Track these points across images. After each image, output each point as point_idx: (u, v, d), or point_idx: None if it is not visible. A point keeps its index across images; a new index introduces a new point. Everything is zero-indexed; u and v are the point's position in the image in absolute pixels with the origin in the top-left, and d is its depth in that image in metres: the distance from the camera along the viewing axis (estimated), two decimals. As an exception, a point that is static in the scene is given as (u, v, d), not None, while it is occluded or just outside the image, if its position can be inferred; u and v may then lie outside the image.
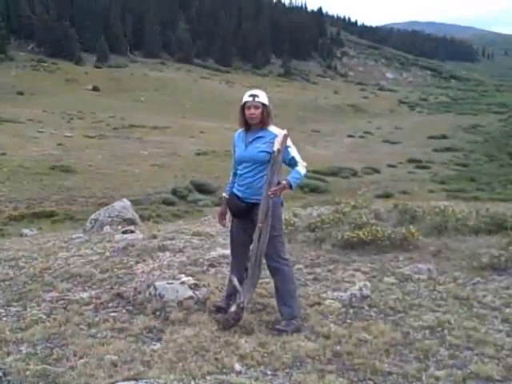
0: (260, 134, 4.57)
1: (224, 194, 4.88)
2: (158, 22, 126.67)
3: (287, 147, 4.56)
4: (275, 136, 4.51)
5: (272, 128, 4.59)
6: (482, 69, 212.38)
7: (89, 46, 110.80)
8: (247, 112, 4.54)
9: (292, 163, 4.58)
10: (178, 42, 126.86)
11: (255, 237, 4.55)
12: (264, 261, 4.68)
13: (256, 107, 4.50)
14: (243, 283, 4.59)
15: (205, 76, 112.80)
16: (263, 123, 4.56)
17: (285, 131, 4.55)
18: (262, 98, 4.54)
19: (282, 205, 4.71)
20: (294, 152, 4.60)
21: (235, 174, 4.79)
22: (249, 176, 4.60)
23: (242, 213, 4.69)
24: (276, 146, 4.45)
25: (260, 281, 5.74)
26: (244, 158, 4.62)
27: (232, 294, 4.73)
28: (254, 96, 4.52)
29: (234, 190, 4.75)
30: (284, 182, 4.45)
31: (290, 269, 4.75)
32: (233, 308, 4.49)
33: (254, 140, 4.58)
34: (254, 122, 4.55)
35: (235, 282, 4.62)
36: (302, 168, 4.57)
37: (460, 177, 42.44)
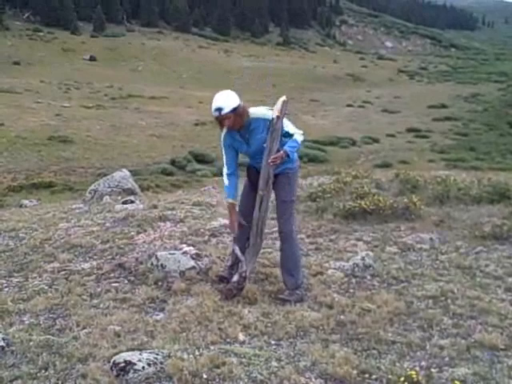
0: (252, 127, 4.53)
1: (230, 200, 4.73)
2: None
3: (284, 126, 4.53)
4: (264, 119, 4.49)
5: (253, 114, 4.54)
6: (482, 37, 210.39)
7: (85, 15, 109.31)
8: (223, 125, 4.52)
9: (287, 136, 4.56)
10: (175, 11, 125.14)
11: (256, 205, 4.52)
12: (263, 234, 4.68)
13: (227, 118, 4.44)
14: (245, 252, 4.57)
15: (203, 45, 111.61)
16: (241, 124, 4.51)
17: (284, 97, 4.50)
18: (228, 105, 4.39)
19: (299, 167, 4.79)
20: (288, 126, 4.56)
21: (233, 175, 4.72)
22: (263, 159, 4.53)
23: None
24: (275, 113, 4.40)
25: (262, 251, 5.73)
26: (253, 152, 4.64)
27: (234, 264, 4.73)
28: (219, 110, 4.40)
29: (252, 165, 4.76)
30: (281, 151, 4.42)
31: (297, 238, 4.78)
32: (235, 277, 4.48)
33: (250, 135, 4.56)
34: (236, 128, 4.54)
35: (237, 251, 4.60)
36: (298, 136, 4.56)
37: (459, 146, 42.29)
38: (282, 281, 4.66)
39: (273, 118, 4.40)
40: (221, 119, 4.45)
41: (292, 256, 4.65)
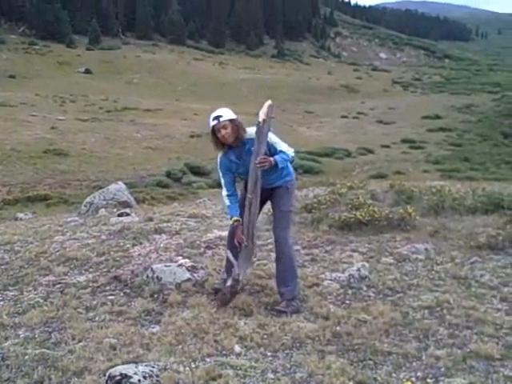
0: (247, 147, 4.59)
1: (235, 218, 4.70)
2: (150, 4, 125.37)
3: (274, 143, 4.57)
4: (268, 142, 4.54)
5: (250, 134, 4.57)
6: (476, 48, 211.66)
7: (80, 28, 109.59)
8: (219, 135, 4.55)
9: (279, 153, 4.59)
10: (170, 24, 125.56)
11: (246, 209, 4.54)
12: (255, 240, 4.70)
13: (224, 127, 4.51)
14: (238, 257, 4.58)
15: (198, 58, 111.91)
16: (238, 137, 4.57)
17: (269, 102, 4.55)
18: (226, 115, 4.55)
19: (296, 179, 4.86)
20: (280, 144, 4.61)
21: (233, 195, 4.77)
22: (260, 178, 4.58)
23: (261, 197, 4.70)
24: (261, 117, 4.44)
25: (258, 262, 5.76)
26: (248, 171, 4.61)
27: (229, 275, 4.72)
28: (218, 118, 4.52)
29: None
30: (271, 158, 4.45)
31: (293, 248, 4.78)
32: (228, 282, 4.48)
33: (246, 155, 4.59)
34: (230, 141, 4.56)
35: (229, 255, 4.62)
36: (290, 151, 4.61)
37: (454, 157, 42.37)
38: (278, 292, 4.66)
39: (259, 122, 4.43)
40: (218, 127, 4.51)
41: (288, 266, 4.65)
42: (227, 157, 4.68)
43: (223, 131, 4.51)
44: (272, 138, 4.59)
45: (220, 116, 4.52)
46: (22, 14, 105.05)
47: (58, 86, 70.26)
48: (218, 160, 4.75)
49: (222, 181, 4.78)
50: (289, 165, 4.73)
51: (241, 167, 4.67)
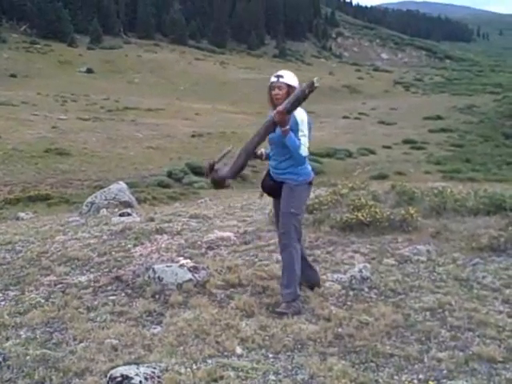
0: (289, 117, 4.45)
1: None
2: (151, 3, 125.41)
3: (300, 126, 4.48)
4: (296, 121, 4.46)
5: (296, 111, 4.45)
6: (477, 49, 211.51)
7: (82, 27, 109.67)
8: (273, 93, 4.57)
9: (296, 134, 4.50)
10: (171, 23, 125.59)
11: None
12: None
13: (279, 88, 4.52)
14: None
15: (199, 57, 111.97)
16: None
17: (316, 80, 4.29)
18: (288, 78, 4.53)
19: (310, 184, 4.76)
20: (303, 138, 4.51)
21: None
22: (275, 158, 4.71)
23: (272, 189, 4.83)
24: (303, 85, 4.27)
25: (259, 263, 5.78)
26: (271, 139, 4.65)
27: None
28: (278, 76, 4.54)
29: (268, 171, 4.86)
30: (288, 127, 4.40)
31: (297, 251, 4.69)
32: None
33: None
34: (279, 103, 4.44)
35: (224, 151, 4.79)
36: (303, 149, 4.50)
37: (455, 157, 42.37)
38: (280, 293, 4.66)
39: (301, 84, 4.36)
40: (274, 85, 4.53)
41: (288, 268, 4.63)
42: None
43: (277, 90, 4.53)
44: (303, 121, 4.51)
45: (281, 76, 4.54)
46: (23, 13, 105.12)
47: (59, 85, 70.32)
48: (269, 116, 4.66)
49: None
50: (299, 165, 4.63)
51: (276, 132, 4.55)
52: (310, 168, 4.77)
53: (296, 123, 4.47)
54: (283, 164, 4.66)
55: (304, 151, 4.52)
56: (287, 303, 4.50)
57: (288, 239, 4.65)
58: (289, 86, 4.50)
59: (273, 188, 4.81)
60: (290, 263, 4.64)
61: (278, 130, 4.49)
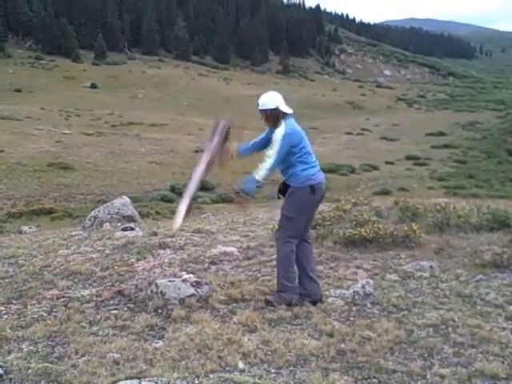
0: (273, 130, 4.97)
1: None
2: (155, 19, 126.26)
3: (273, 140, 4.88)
4: (279, 133, 4.87)
5: (285, 122, 4.93)
6: (480, 66, 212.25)
7: (86, 43, 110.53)
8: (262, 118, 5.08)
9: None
10: (175, 39, 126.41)
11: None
12: None
13: (262, 114, 5.02)
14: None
15: (203, 73, 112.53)
16: (275, 124, 4.96)
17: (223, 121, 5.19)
18: (267, 103, 4.96)
19: (312, 191, 4.97)
20: (271, 149, 4.86)
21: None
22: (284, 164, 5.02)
23: (280, 193, 5.16)
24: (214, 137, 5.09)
25: (262, 278, 5.78)
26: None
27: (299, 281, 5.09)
28: (259, 105, 5.00)
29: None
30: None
31: (287, 251, 4.97)
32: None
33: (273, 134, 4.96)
34: (267, 124, 5.07)
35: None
36: (266, 164, 4.84)
37: (458, 174, 42.33)
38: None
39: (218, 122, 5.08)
40: (260, 113, 5.04)
41: (278, 265, 5.05)
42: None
43: (262, 116, 5.03)
44: (276, 140, 4.85)
45: (260, 104, 4.99)
46: (28, 28, 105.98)
47: (63, 100, 70.63)
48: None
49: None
50: (299, 169, 4.94)
51: (267, 142, 5.02)
52: (313, 171, 5.02)
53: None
54: (289, 170, 5.01)
55: (260, 175, 4.82)
56: (277, 293, 4.97)
57: (280, 237, 5.03)
58: (266, 110, 4.97)
59: (280, 191, 5.18)
60: (279, 261, 5.03)
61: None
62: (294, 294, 4.93)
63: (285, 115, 4.93)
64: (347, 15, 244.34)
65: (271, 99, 4.96)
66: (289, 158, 4.89)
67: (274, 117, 4.93)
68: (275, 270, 5.96)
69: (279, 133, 4.84)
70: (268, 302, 4.87)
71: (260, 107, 4.97)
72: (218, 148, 5.05)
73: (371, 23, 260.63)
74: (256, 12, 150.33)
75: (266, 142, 5.03)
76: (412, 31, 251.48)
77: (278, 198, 5.25)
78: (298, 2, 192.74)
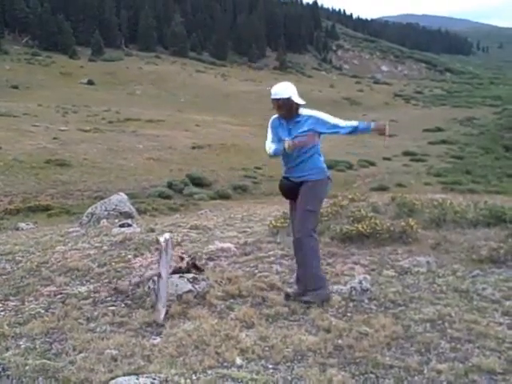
0: (297, 119, 5.01)
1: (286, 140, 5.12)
2: (152, 16, 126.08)
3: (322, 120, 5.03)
4: (309, 117, 4.99)
5: (303, 111, 5.02)
6: (477, 62, 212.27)
7: (83, 39, 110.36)
8: (275, 109, 5.06)
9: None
10: (172, 36, 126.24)
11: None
12: None
13: (274, 103, 5.02)
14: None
15: (200, 69, 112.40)
16: (290, 113, 4.99)
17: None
18: (279, 93, 4.97)
19: (329, 179, 5.19)
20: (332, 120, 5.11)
21: (273, 142, 5.18)
22: (294, 157, 5.02)
23: (291, 192, 5.12)
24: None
25: (259, 274, 5.77)
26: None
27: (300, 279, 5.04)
28: (272, 94, 5.01)
29: (284, 174, 5.19)
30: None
31: (313, 244, 4.97)
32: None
33: (294, 125, 5.00)
34: (284, 116, 5.04)
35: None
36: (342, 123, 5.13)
37: (455, 169, 42.44)
38: (304, 284, 4.95)
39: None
40: (273, 102, 5.03)
41: (308, 262, 4.90)
42: (279, 120, 5.13)
43: (275, 106, 5.02)
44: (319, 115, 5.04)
45: (274, 93, 5.00)
46: (25, 25, 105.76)
47: (60, 96, 70.54)
48: (271, 119, 5.21)
49: (269, 136, 5.17)
50: (319, 160, 5.16)
51: (284, 133, 5.02)
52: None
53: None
54: (304, 161, 5.05)
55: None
56: (312, 292, 4.84)
57: (306, 235, 4.92)
58: (281, 99, 4.97)
59: (292, 188, 5.11)
60: (307, 260, 4.94)
61: (293, 131, 4.99)
62: (327, 288, 4.97)
63: (298, 106, 4.99)
64: (344, 11, 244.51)
65: (284, 89, 4.99)
66: (317, 145, 5.10)
67: (286, 106, 4.96)
68: (272, 265, 6.01)
69: (319, 113, 5.04)
70: (306, 302, 4.78)
71: (273, 96, 5.00)
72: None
73: (368, 19, 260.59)
74: (253, 8, 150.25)
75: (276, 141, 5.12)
76: (409, 27, 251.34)
77: (288, 198, 5.20)
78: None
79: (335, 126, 5.03)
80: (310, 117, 5.00)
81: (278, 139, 5.08)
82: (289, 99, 4.94)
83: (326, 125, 5.02)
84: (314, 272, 4.91)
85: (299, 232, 4.94)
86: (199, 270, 5.43)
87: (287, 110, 4.98)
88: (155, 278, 5.01)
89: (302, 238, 4.92)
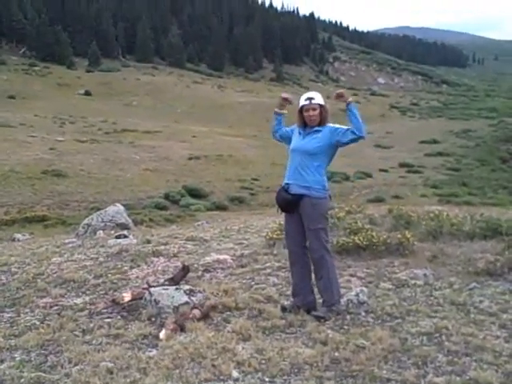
0: (317, 128, 4.93)
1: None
2: (149, 27, 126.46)
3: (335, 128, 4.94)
4: (330, 129, 4.90)
5: (329, 124, 4.96)
6: (473, 74, 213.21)
7: (81, 50, 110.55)
8: (306, 114, 4.92)
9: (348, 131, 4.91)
10: (169, 47, 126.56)
11: None
12: None
13: (314, 109, 4.89)
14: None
15: (197, 80, 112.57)
16: (322, 122, 4.93)
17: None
18: (318, 99, 4.92)
19: (330, 198, 5.04)
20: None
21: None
22: (299, 166, 4.92)
23: (289, 206, 4.96)
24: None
25: (256, 286, 5.75)
26: (299, 148, 4.97)
27: (298, 293, 5.02)
28: (310, 99, 4.90)
29: (284, 180, 5.05)
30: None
31: (332, 259, 5.02)
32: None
33: (311, 132, 4.93)
34: (315, 123, 4.92)
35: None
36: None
37: (452, 181, 42.51)
38: (321, 297, 4.99)
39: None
40: (309, 107, 4.89)
41: (327, 277, 4.92)
42: (297, 128, 5.09)
43: (311, 112, 4.88)
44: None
45: (312, 98, 4.90)
46: (22, 35, 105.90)
47: (57, 107, 70.52)
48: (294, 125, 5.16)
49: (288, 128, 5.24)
50: (323, 176, 4.95)
51: (295, 140, 5.04)
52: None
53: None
54: (308, 174, 4.89)
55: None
56: (327, 307, 4.87)
57: (322, 251, 4.92)
58: (321, 105, 4.91)
59: (289, 202, 4.95)
60: (329, 271, 4.96)
61: (308, 137, 4.91)
62: (339, 303, 4.97)
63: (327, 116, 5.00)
64: (341, 23, 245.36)
65: (320, 97, 4.96)
66: (329, 158, 5.02)
67: (323, 113, 4.91)
68: (269, 277, 5.99)
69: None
70: (317, 317, 4.76)
71: (316, 101, 4.89)
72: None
73: (365, 31, 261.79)
74: (250, 20, 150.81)
75: (286, 134, 5.20)
76: (405, 39, 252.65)
77: (283, 211, 5.07)
78: (292, 9, 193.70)
79: (347, 129, 4.91)
80: (329, 128, 4.93)
81: (287, 135, 5.17)
82: (325, 107, 4.94)
83: (339, 129, 4.93)
84: (333, 290, 4.93)
85: (319, 251, 4.90)
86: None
87: (322, 116, 4.91)
88: (151, 290, 5.00)
89: (325, 256, 4.91)
